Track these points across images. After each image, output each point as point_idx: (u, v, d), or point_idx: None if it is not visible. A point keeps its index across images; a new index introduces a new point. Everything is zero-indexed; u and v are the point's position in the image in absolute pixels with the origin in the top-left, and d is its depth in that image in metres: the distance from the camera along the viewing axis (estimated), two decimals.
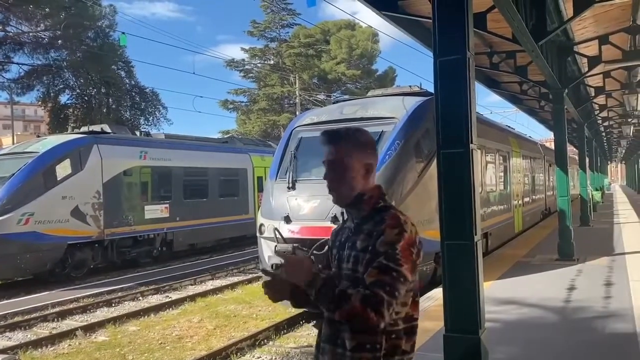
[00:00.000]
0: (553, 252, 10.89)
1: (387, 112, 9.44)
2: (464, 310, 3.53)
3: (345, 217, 2.08)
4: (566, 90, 10.81)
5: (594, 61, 10.82)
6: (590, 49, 10.75)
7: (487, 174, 12.28)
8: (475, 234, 3.60)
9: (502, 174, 14.01)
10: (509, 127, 18.92)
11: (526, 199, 17.38)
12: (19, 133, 47.29)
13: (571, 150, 30.28)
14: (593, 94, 15.26)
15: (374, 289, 1.73)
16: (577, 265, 10.02)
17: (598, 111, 19.35)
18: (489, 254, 11.92)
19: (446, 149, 3.66)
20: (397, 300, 1.77)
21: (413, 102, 9.50)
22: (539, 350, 5.32)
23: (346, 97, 24.81)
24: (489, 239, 12.29)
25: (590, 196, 19.68)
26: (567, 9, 8.12)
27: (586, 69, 11.62)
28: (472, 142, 3.59)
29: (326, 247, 2.34)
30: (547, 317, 6.56)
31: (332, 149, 1.98)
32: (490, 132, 13.34)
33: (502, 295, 7.68)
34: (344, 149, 1.97)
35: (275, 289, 1.97)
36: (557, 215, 11.15)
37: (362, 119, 9.30)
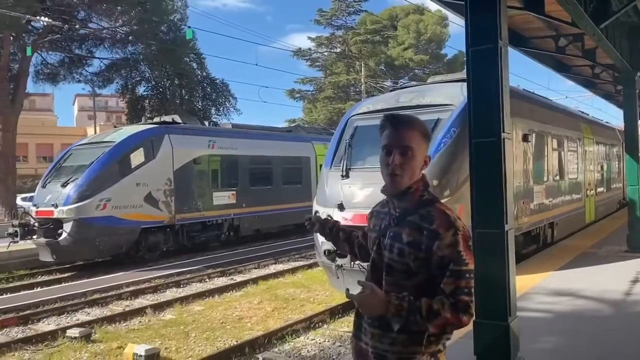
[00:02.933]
0: (623, 243, 10.43)
1: (444, 99, 9.32)
2: (494, 298, 3.57)
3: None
4: (638, 73, 10.22)
5: None
6: None
7: (552, 161, 11.86)
8: (507, 223, 3.62)
9: (571, 161, 13.45)
10: (581, 112, 18.06)
11: (600, 188, 16.60)
12: (102, 123, 50.31)
13: None
14: None
15: (458, 297, 1.84)
16: None
17: None
18: (554, 244, 11.57)
19: (478, 138, 3.69)
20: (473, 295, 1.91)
21: None
22: (587, 343, 5.21)
23: (413, 83, 24.51)
24: (554, 229, 11.91)
25: None
26: None
27: None
28: (504, 132, 3.59)
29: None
30: (602, 310, 6.37)
31: (409, 134, 1.98)
32: (557, 117, 12.85)
33: (559, 286, 7.50)
34: (418, 137, 1.99)
35: (370, 304, 1.87)
36: (627, 205, 10.62)
37: (418, 106, 9.26)
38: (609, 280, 7.92)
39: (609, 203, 18.07)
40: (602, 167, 17.10)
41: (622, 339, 5.34)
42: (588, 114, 18.57)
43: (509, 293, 3.57)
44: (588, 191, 14.83)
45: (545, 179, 11.36)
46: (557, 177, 12.23)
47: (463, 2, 3.68)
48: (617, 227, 14.09)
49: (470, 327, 5.48)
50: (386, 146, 1.99)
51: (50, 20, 21.96)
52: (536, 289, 7.40)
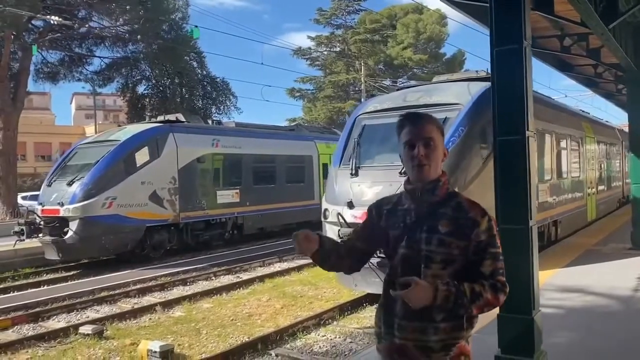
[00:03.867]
0: (627, 241, 10.55)
1: (451, 98, 9.41)
2: (518, 292, 3.64)
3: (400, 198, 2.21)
4: None
5: None
6: None
7: (556, 160, 11.96)
8: (531, 219, 3.71)
9: (574, 160, 13.57)
10: (583, 111, 18.18)
11: (601, 187, 16.72)
12: (100, 122, 50.15)
13: None
14: None
15: (497, 277, 2.00)
16: None
17: None
18: (558, 242, 11.68)
19: (503, 137, 3.77)
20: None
21: (478, 87, 9.41)
22: (600, 337, 5.31)
23: (412, 82, 24.60)
24: (558, 226, 12.02)
25: None
26: None
27: None
28: (528, 130, 3.68)
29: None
30: (612, 306, 6.47)
31: (429, 127, 2.10)
32: (560, 116, 12.95)
33: (567, 283, 7.60)
34: (436, 130, 2.12)
35: (419, 297, 1.92)
36: (631, 203, 10.74)
37: (425, 105, 9.33)
38: (615, 277, 8.03)
39: (610, 201, 18.21)
40: (602, 166, 17.22)
41: (634, 334, 5.43)
42: (589, 113, 18.69)
43: (533, 287, 3.66)
44: (589, 190, 14.95)
45: (549, 177, 11.45)
46: (561, 176, 12.34)
47: (487, 4, 3.75)
48: (619, 225, 14.22)
49: (487, 321, 5.59)
50: (409, 141, 2.09)
51: (58, 18, 21.89)
52: (545, 285, 7.49)
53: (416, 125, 2.11)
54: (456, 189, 8.19)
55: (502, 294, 2.01)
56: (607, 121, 22.01)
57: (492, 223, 2.05)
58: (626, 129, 18.82)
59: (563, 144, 12.58)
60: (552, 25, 9.94)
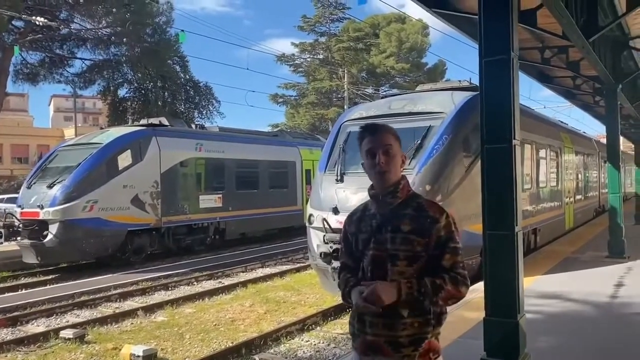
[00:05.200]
0: (604, 249, 10.77)
1: (435, 106, 9.56)
2: (503, 296, 3.75)
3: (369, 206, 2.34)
4: (620, 86, 10.61)
5: None
6: None
7: (536, 169, 12.19)
8: (516, 225, 3.81)
9: (552, 170, 13.83)
10: (561, 122, 18.55)
11: (578, 196, 17.04)
12: (79, 125, 49.53)
13: (630, 147, 29.20)
14: None
15: (456, 270, 2.13)
16: (627, 263, 9.90)
17: None
18: (538, 250, 11.88)
19: (490, 144, 3.87)
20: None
21: (462, 97, 9.58)
22: (581, 342, 5.45)
23: (395, 91, 24.83)
24: (537, 235, 12.23)
25: None
26: (621, 4, 8.03)
27: None
28: (514, 139, 3.79)
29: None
30: (591, 312, 6.63)
31: (387, 135, 2.25)
32: (540, 127, 13.20)
33: (547, 289, 7.75)
34: (393, 138, 2.26)
35: (385, 293, 2.06)
36: (608, 213, 10.99)
37: (410, 113, 9.48)
38: (594, 283, 8.21)
39: (586, 211, 18.57)
40: (580, 176, 17.57)
41: (614, 338, 5.58)
42: (567, 124, 19.07)
43: (518, 291, 3.75)
44: (567, 199, 15.24)
45: (529, 186, 11.66)
46: (540, 185, 12.57)
47: (476, 17, 3.86)
48: (596, 233, 14.52)
49: (471, 325, 5.67)
50: (370, 149, 2.24)
51: (40, 19, 21.61)
52: (526, 292, 7.54)
53: (375, 135, 2.25)
54: (440, 197, 8.24)
55: (464, 286, 2.13)
56: (584, 132, 22.48)
57: (451, 220, 2.18)
58: (603, 140, 19.29)
59: (542, 153, 12.82)
60: (533, 37, 10.18)
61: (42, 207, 13.11)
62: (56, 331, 8.14)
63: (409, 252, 2.14)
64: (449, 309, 2.25)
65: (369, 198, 2.33)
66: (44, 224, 13.08)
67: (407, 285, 2.07)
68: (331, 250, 8.57)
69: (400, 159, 2.26)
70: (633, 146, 27.39)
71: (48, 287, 11.93)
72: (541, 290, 7.73)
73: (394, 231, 2.18)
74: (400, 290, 2.06)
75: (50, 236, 12.92)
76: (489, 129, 3.88)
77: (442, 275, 2.10)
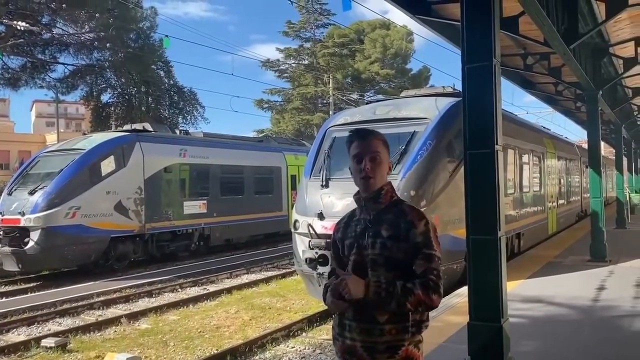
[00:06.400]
0: (586, 253, 10.90)
1: (419, 112, 9.62)
2: (487, 300, 3.78)
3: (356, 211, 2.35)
4: (600, 92, 10.79)
5: (630, 62, 10.76)
6: (627, 50, 10.70)
7: (519, 174, 12.32)
8: (499, 230, 3.84)
9: (535, 175, 13.98)
10: (544, 127, 18.78)
11: (561, 201, 17.25)
12: (62, 130, 48.98)
13: (611, 152, 29.70)
14: (631, 95, 15.07)
15: (428, 277, 2.07)
16: (609, 267, 10.04)
17: (637, 112, 19.02)
18: (521, 254, 11.98)
19: (473, 150, 3.91)
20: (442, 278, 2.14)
21: (445, 102, 9.66)
22: (564, 345, 5.50)
23: (380, 96, 24.95)
24: (521, 239, 12.34)
25: (628, 198, 19.38)
26: (601, 11, 8.17)
27: (622, 71, 11.55)
28: (497, 144, 3.83)
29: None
30: (574, 315, 6.70)
31: (375, 142, 2.24)
32: (523, 132, 13.35)
33: (531, 293, 7.83)
34: (382, 145, 2.26)
35: (353, 286, 2.05)
36: (590, 217, 11.14)
37: (394, 119, 9.53)
38: (576, 287, 8.31)
39: (569, 215, 18.79)
40: (562, 180, 17.79)
41: (596, 341, 5.65)
42: (550, 129, 19.32)
43: (501, 295, 3.78)
44: (550, 204, 15.41)
45: (512, 191, 11.77)
46: (524, 190, 12.70)
47: (459, 23, 3.90)
48: (578, 237, 14.70)
49: (456, 329, 5.69)
50: (357, 155, 2.23)
51: (22, 23, 21.34)
52: (509, 296, 7.62)
53: (364, 140, 2.25)
54: (424, 202, 8.26)
55: (435, 294, 2.06)
56: (566, 137, 22.79)
57: (430, 226, 2.14)
58: (584, 145, 19.60)
59: (525, 158, 12.96)
60: (515, 44, 10.33)
61: (23, 214, 12.92)
62: (37, 340, 8.00)
63: (387, 258, 2.12)
64: (433, 313, 2.25)
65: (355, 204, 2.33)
66: (25, 231, 12.89)
67: (375, 283, 2.05)
68: (316, 256, 8.55)
69: (386, 167, 2.26)
70: (614, 151, 27.91)
71: (29, 295, 11.74)
72: (525, 294, 7.79)
73: (374, 236, 2.17)
74: (369, 287, 2.03)
75: (31, 243, 12.73)
76: (472, 134, 3.91)
77: (414, 280, 2.06)
